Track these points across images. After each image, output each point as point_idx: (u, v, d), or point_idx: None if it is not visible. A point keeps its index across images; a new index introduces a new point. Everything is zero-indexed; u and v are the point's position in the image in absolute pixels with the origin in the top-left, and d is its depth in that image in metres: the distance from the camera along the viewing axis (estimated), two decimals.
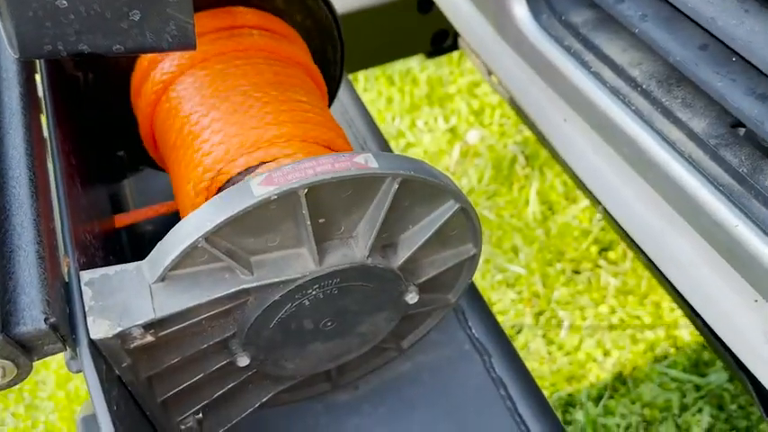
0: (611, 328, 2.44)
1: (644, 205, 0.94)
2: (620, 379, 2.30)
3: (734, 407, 2.21)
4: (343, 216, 0.83)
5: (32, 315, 0.67)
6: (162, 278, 0.77)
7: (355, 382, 1.12)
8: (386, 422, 1.09)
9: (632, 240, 1.07)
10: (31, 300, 0.69)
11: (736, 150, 0.78)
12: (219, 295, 0.79)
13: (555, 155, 1.23)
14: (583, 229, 2.63)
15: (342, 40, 1.17)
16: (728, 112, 0.78)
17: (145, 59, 1.08)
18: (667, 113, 0.83)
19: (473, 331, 1.18)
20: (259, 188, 0.76)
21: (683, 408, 2.23)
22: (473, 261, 0.99)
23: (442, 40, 1.83)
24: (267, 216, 0.78)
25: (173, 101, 1.05)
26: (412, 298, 0.93)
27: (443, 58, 3.09)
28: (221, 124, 1.00)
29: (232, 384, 0.94)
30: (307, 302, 0.85)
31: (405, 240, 0.90)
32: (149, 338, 0.78)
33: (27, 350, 0.68)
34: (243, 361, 0.87)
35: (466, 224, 0.93)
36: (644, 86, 0.85)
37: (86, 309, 0.74)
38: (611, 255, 2.60)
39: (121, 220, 1.11)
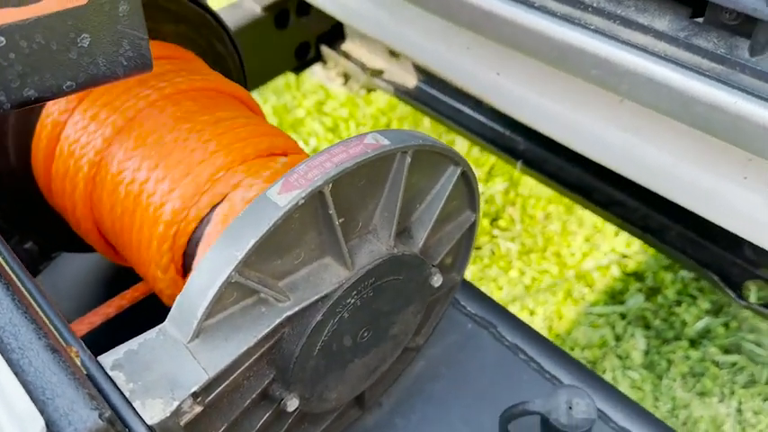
0: (527, 288, 2.50)
1: (620, 129, 0.96)
2: (552, 332, 2.37)
3: (658, 322, 2.34)
4: (360, 210, 0.76)
5: (81, 416, 0.54)
6: (197, 334, 0.66)
7: (379, 399, 1.04)
8: (424, 428, 1.02)
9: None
10: (71, 400, 0.55)
11: (705, 36, 0.81)
12: (266, 332, 0.68)
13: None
14: None
15: (224, 25, 1.08)
16: (684, 3, 0.82)
17: (46, 128, 0.94)
18: (628, 23, 0.85)
19: (469, 310, 1.14)
20: (281, 197, 0.66)
21: (618, 339, 2.33)
22: (472, 230, 0.95)
23: (306, 53, 1.78)
24: (291, 228, 0.69)
25: (97, 165, 0.91)
26: (437, 280, 0.87)
27: (281, 86, 3.03)
28: (163, 170, 0.88)
29: None
30: (346, 315, 0.76)
31: (416, 222, 0.84)
32: (198, 409, 0.66)
33: None
34: (292, 404, 0.76)
35: (464, 190, 0.88)
36: (594, 5, 0.87)
37: (128, 394, 0.61)
38: (502, 223, 2.67)
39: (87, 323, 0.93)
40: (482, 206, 2.66)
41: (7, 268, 0.66)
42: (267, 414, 0.78)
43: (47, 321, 0.63)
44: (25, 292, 0.66)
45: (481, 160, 2.76)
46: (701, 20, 0.83)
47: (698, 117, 0.81)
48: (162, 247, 0.86)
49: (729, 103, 0.78)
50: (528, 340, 1.10)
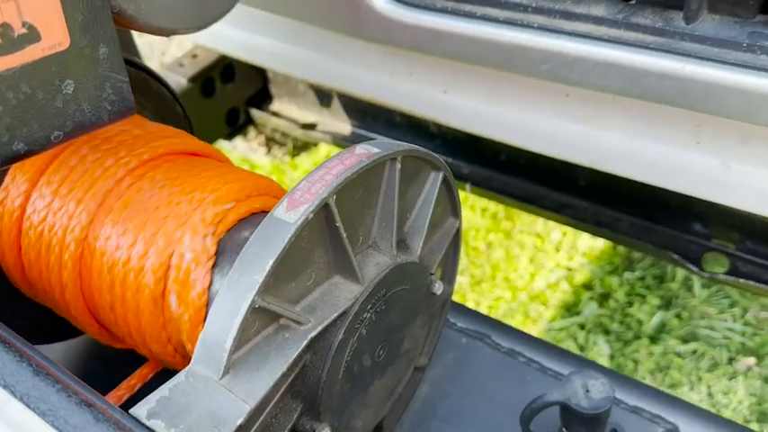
0: None
1: (571, 121, 1.00)
2: None
3: (615, 325, 2.40)
4: (359, 223, 0.76)
5: None
6: (227, 369, 0.63)
7: (393, 430, 1.01)
8: None
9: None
10: None
11: (642, 14, 0.87)
12: (295, 355, 0.66)
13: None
14: None
15: (168, 86, 1.08)
16: None
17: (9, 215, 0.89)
18: (568, 15, 0.90)
19: (460, 325, 1.14)
20: (289, 215, 0.66)
21: (582, 348, 2.37)
22: (457, 237, 0.96)
23: (236, 119, 1.78)
24: (300, 247, 0.68)
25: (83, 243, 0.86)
26: (438, 288, 0.87)
27: None
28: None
29: None
30: (364, 331, 0.75)
31: (410, 232, 0.85)
32: None
33: None
34: None
35: (446, 196, 0.90)
36: (533, 5, 0.92)
37: None
38: None
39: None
40: None
41: (14, 340, 0.61)
42: None
43: (70, 383, 0.59)
44: (40, 360, 0.62)
45: None
46: (633, 1, 0.89)
47: (650, 88, 0.86)
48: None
49: (677, 68, 0.83)
50: (523, 343, 1.11)
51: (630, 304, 2.42)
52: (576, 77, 0.91)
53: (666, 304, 2.41)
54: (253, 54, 1.36)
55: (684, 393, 2.20)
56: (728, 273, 1.32)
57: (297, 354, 0.66)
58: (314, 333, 0.68)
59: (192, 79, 1.66)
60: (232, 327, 0.62)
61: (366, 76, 1.19)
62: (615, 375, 1.06)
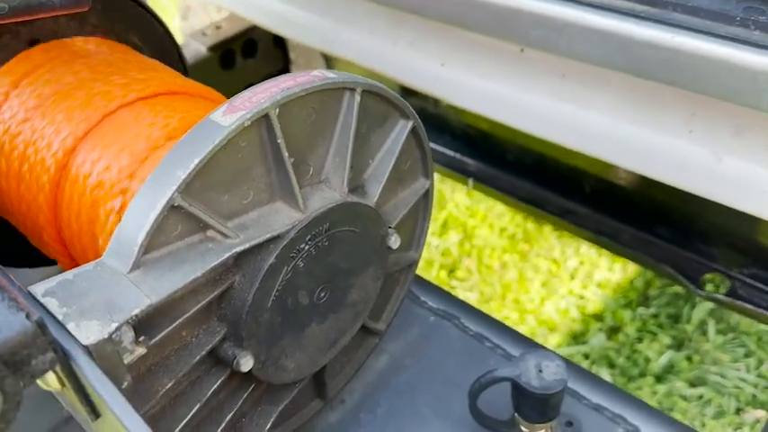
0: None
1: (564, 101, 0.97)
2: None
3: (621, 360, 2.31)
4: (310, 152, 0.74)
5: (9, 318, 0.48)
6: (138, 264, 0.61)
7: (341, 395, 0.97)
8: (391, 421, 0.96)
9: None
10: None
11: None
12: (214, 264, 0.64)
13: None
14: (426, 260, 2.67)
15: (171, 34, 1.08)
16: None
17: None
18: None
19: (431, 305, 1.10)
20: (225, 118, 0.64)
21: None
22: (427, 199, 0.93)
23: None
24: (237, 158, 0.66)
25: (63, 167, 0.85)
26: (394, 241, 0.84)
27: None
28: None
29: (231, 414, 0.76)
30: (301, 264, 0.72)
31: (370, 178, 0.82)
32: (141, 350, 0.60)
33: (13, 367, 0.48)
34: (246, 363, 0.71)
35: (416, 152, 0.87)
36: None
37: (61, 317, 0.55)
38: (459, 274, 2.65)
39: None
40: (438, 258, 2.65)
41: None
42: (219, 381, 0.72)
43: None
44: None
45: (434, 215, 2.77)
46: None
47: (639, 59, 0.83)
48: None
49: (667, 39, 0.80)
50: (492, 329, 1.07)
51: (640, 340, 2.33)
52: (564, 45, 0.88)
53: (678, 345, 2.31)
54: (263, 17, 1.36)
55: None
56: (728, 294, 1.25)
57: (216, 263, 0.64)
58: (240, 248, 0.66)
59: (212, 48, 1.68)
60: (146, 222, 0.60)
61: (368, 44, 1.18)
62: (581, 371, 1.01)
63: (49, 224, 0.86)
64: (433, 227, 2.73)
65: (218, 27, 1.72)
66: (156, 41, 1.07)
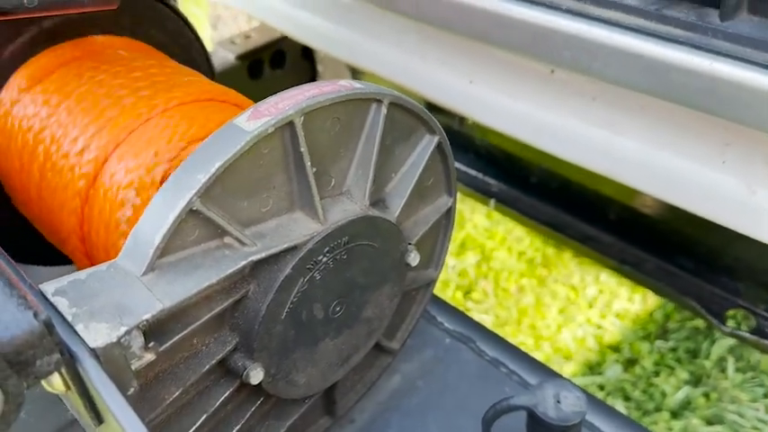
0: None
1: (595, 126, 0.95)
2: None
3: (637, 393, 2.26)
4: (332, 163, 0.72)
5: (16, 316, 0.47)
6: (152, 266, 0.59)
7: (351, 414, 0.95)
8: None
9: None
10: (5, 301, 0.48)
11: (676, 7, 0.82)
12: (229, 272, 0.62)
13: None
14: (442, 280, 2.64)
15: (199, 38, 1.08)
16: None
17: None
18: (598, 1, 0.86)
19: (447, 326, 1.08)
20: (249, 123, 0.63)
21: None
22: (449, 218, 0.91)
23: None
24: (259, 165, 0.65)
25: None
26: (413, 258, 0.82)
27: None
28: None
29: (238, 428, 0.74)
30: (317, 276, 0.71)
31: (391, 193, 0.80)
32: (150, 356, 0.59)
33: (17, 366, 0.46)
34: (256, 376, 0.69)
35: (441, 167, 0.85)
36: None
37: (70, 318, 0.54)
38: (475, 295, 2.62)
39: None
40: (455, 279, 2.62)
41: None
42: (227, 392, 0.70)
43: None
44: None
45: (453, 235, 2.75)
46: None
47: (675, 85, 0.80)
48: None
49: (704, 65, 0.77)
50: (509, 354, 1.04)
51: (657, 374, 2.28)
52: (598, 68, 0.86)
53: (696, 381, 2.26)
54: (293, 27, 1.35)
55: None
56: (752, 332, 1.22)
57: (232, 270, 0.62)
58: (256, 257, 0.64)
59: (241, 57, 1.68)
60: (164, 224, 0.59)
61: (396, 59, 1.17)
62: (598, 403, 0.98)
63: (76, 231, 0.85)
64: (451, 247, 2.70)
65: (247, 36, 1.72)
66: (185, 46, 1.07)
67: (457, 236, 2.74)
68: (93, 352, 0.52)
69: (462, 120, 1.53)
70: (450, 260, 2.65)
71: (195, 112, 0.86)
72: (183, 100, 0.86)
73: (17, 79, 0.89)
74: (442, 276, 2.68)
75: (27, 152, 0.86)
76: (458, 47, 1.07)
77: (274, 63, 1.76)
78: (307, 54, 1.83)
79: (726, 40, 0.77)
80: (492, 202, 1.51)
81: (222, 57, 1.66)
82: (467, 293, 2.63)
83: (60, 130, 0.86)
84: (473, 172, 1.56)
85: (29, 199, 0.90)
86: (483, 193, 1.53)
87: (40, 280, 0.58)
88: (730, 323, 1.25)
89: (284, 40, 1.72)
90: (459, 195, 1.78)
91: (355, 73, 1.73)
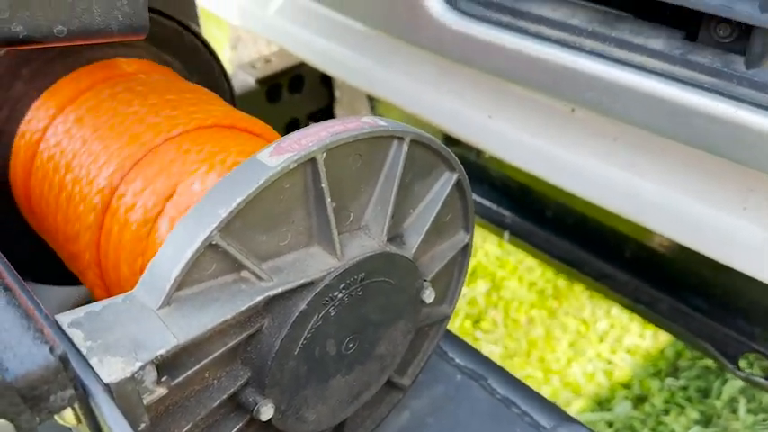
0: None
1: (615, 167, 0.94)
2: None
3: (646, 431, 2.23)
4: (353, 198, 0.72)
5: (32, 351, 0.46)
6: (168, 300, 0.59)
7: None
8: None
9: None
10: (22, 334, 0.47)
11: (701, 53, 0.82)
12: (245, 307, 0.62)
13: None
14: None
15: (221, 63, 1.09)
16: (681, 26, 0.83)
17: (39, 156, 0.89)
18: (622, 44, 0.85)
19: (458, 362, 1.07)
20: (271, 159, 0.63)
21: None
22: (465, 254, 0.90)
23: (295, 129, 1.78)
24: (279, 200, 0.64)
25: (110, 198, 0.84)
26: (429, 295, 0.81)
27: None
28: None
29: None
30: (332, 312, 0.70)
31: (409, 229, 0.80)
32: (162, 391, 0.58)
33: (31, 402, 0.46)
34: (266, 412, 0.68)
35: (459, 204, 0.85)
36: (588, 30, 0.88)
37: (85, 351, 0.53)
38: (484, 325, 2.60)
39: None
40: (464, 307, 2.61)
41: None
42: (236, 427, 0.69)
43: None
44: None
45: None
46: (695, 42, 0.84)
47: (698, 131, 0.80)
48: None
49: (729, 112, 0.77)
50: (521, 394, 1.02)
51: (667, 412, 2.24)
52: (620, 110, 0.86)
53: (706, 421, 2.22)
54: (312, 54, 1.36)
55: None
56: (766, 376, 1.20)
57: (247, 306, 0.62)
58: (273, 292, 0.64)
59: (260, 81, 1.69)
60: (182, 258, 0.59)
61: (415, 90, 1.17)
62: None
63: (92, 257, 0.85)
64: None
65: (267, 61, 1.73)
66: (205, 70, 1.08)
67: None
68: (107, 387, 0.52)
69: (479, 152, 1.53)
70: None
71: (214, 138, 0.86)
72: (202, 124, 0.86)
73: (41, 106, 0.89)
74: None
75: (47, 182, 0.86)
76: (478, 81, 1.07)
77: (293, 88, 1.77)
78: (325, 80, 1.84)
79: (751, 88, 0.77)
80: (506, 234, 1.50)
81: (242, 80, 1.67)
82: (476, 322, 2.61)
83: (81, 163, 0.86)
84: (487, 203, 1.56)
85: (46, 220, 0.91)
86: (497, 225, 1.52)
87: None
88: (743, 365, 1.23)
89: (303, 65, 1.74)
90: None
91: (373, 101, 1.73)
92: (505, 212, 1.54)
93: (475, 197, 1.59)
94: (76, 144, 0.86)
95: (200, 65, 1.06)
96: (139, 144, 0.82)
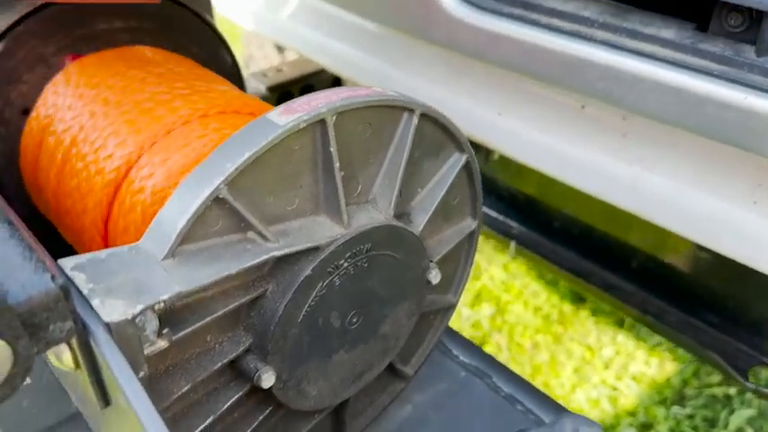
0: None
1: (624, 162, 0.94)
2: None
3: None
4: (361, 169, 0.72)
5: (33, 278, 0.46)
6: (173, 252, 0.58)
7: None
8: None
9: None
10: (24, 262, 0.47)
11: (712, 42, 0.82)
12: (249, 265, 0.61)
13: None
14: (456, 330, 2.59)
15: (235, 60, 1.10)
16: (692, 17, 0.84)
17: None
18: (634, 34, 0.86)
19: (462, 359, 1.05)
20: (281, 118, 0.63)
21: None
22: (471, 241, 0.89)
23: None
24: (288, 161, 0.64)
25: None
26: (435, 276, 0.80)
27: None
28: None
29: None
30: (337, 282, 0.69)
31: (417, 207, 0.79)
32: (163, 344, 0.57)
33: (30, 329, 0.45)
34: (268, 379, 0.67)
35: (467, 189, 0.85)
36: (600, 21, 0.88)
37: (86, 292, 0.52)
38: (489, 348, 2.57)
39: None
40: (468, 330, 2.58)
41: None
42: (236, 396, 0.68)
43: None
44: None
45: (468, 284, 2.72)
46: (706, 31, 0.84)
47: (708, 119, 0.80)
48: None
49: (740, 99, 0.77)
50: (525, 392, 1.01)
51: None
52: (632, 99, 0.86)
53: None
54: (324, 57, 1.37)
55: None
56: None
57: (252, 263, 0.61)
58: (278, 253, 0.63)
59: (271, 89, 1.70)
60: (188, 209, 0.58)
61: (425, 90, 1.17)
62: None
63: (98, 231, 0.84)
64: (466, 297, 2.67)
65: (279, 70, 1.75)
66: (222, 67, 1.09)
67: (472, 286, 2.71)
68: (108, 327, 0.51)
69: (487, 160, 1.53)
70: (464, 310, 2.61)
71: (231, 121, 0.87)
72: (223, 109, 0.87)
73: (60, 79, 0.90)
74: (455, 326, 2.64)
75: (60, 153, 0.87)
76: (487, 78, 1.07)
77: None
78: None
79: (762, 75, 0.77)
80: (513, 244, 1.49)
81: (254, 87, 1.69)
82: (480, 346, 2.57)
83: (97, 139, 0.87)
84: (494, 213, 1.55)
85: (53, 198, 0.91)
86: (504, 236, 1.51)
87: None
88: (752, 378, 1.21)
89: (314, 75, 1.75)
90: (479, 239, 1.77)
91: None
92: (512, 223, 1.53)
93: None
94: (98, 120, 0.86)
95: (216, 58, 1.07)
96: (159, 125, 0.82)
